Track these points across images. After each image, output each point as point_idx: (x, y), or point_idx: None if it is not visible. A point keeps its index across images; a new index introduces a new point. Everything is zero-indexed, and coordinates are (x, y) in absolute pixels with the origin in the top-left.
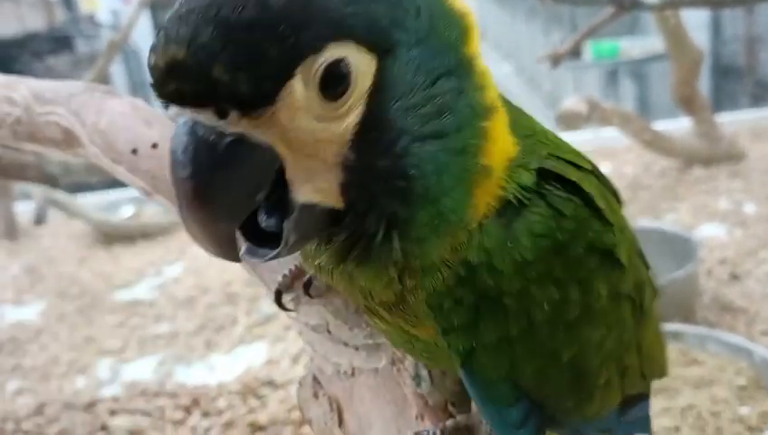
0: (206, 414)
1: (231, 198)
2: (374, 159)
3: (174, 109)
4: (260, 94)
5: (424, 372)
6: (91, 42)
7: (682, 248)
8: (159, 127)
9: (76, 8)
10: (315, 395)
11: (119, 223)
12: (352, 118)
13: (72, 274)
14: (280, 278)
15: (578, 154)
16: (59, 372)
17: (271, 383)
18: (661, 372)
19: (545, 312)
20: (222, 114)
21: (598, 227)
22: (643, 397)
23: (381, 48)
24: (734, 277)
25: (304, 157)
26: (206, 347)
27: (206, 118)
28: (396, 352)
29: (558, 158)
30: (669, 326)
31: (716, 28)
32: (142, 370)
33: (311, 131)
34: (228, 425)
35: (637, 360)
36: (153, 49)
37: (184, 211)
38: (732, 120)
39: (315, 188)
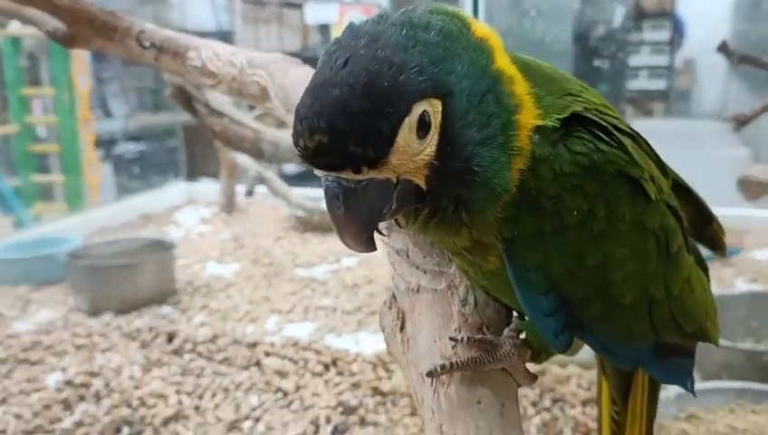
0: (340, 373)
1: (370, 218)
2: (450, 162)
3: (322, 172)
4: (381, 155)
5: (471, 298)
6: None
7: None
8: None
9: (330, 33)
10: (390, 307)
11: (312, 208)
12: (434, 141)
13: (267, 247)
14: None
15: (621, 120)
16: (236, 318)
17: None
18: (704, 332)
19: (574, 218)
20: (357, 171)
21: (626, 158)
22: (686, 353)
23: (443, 93)
24: None
25: (406, 172)
26: (357, 324)
27: (347, 174)
28: (453, 280)
29: (597, 114)
30: None
31: None
32: (300, 330)
33: (411, 160)
34: (355, 385)
35: (665, 299)
36: (299, 134)
37: (341, 232)
38: None
39: (411, 176)
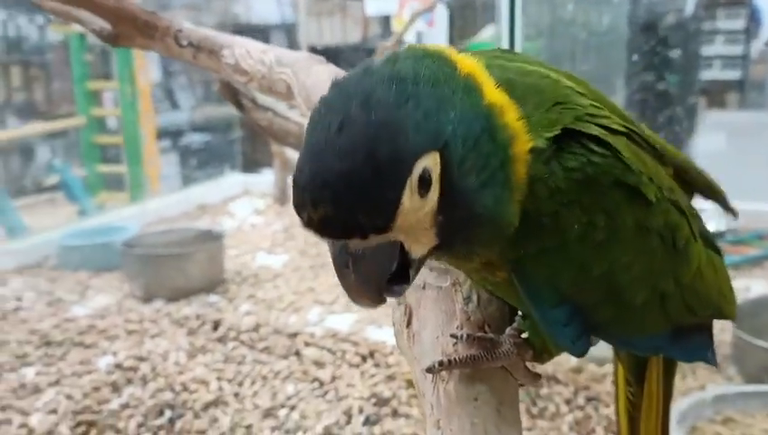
0: (376, 365)
1: (380, 279)
2: (454, 213)
3: (328, 239)
4: (387, 221)
5: (474, 296)
6: None
7: None
8: None
9: (390, 25)
10: (399, 303)
11: None
12: (435, 195)
13: (315, 239)
14: None
15: (614, 118)
16: (280, 307)
17: None
18: (721, 312)
19: (576, 232)
20: (364, 238)
21: (621, 167)
22: (702, 330)
23: (440, 146)
24: None
25: (413, 231)
26: None
27: (353, 241)
28: (458, 277)
29: (588, 120)
30: None
31: None
32: (341, 322)
33: (416, 218)
34: (390, 377)
35: (677, 292)
36: (303, 206)
37: (352, 295)
38: None
39: (422, 244)
